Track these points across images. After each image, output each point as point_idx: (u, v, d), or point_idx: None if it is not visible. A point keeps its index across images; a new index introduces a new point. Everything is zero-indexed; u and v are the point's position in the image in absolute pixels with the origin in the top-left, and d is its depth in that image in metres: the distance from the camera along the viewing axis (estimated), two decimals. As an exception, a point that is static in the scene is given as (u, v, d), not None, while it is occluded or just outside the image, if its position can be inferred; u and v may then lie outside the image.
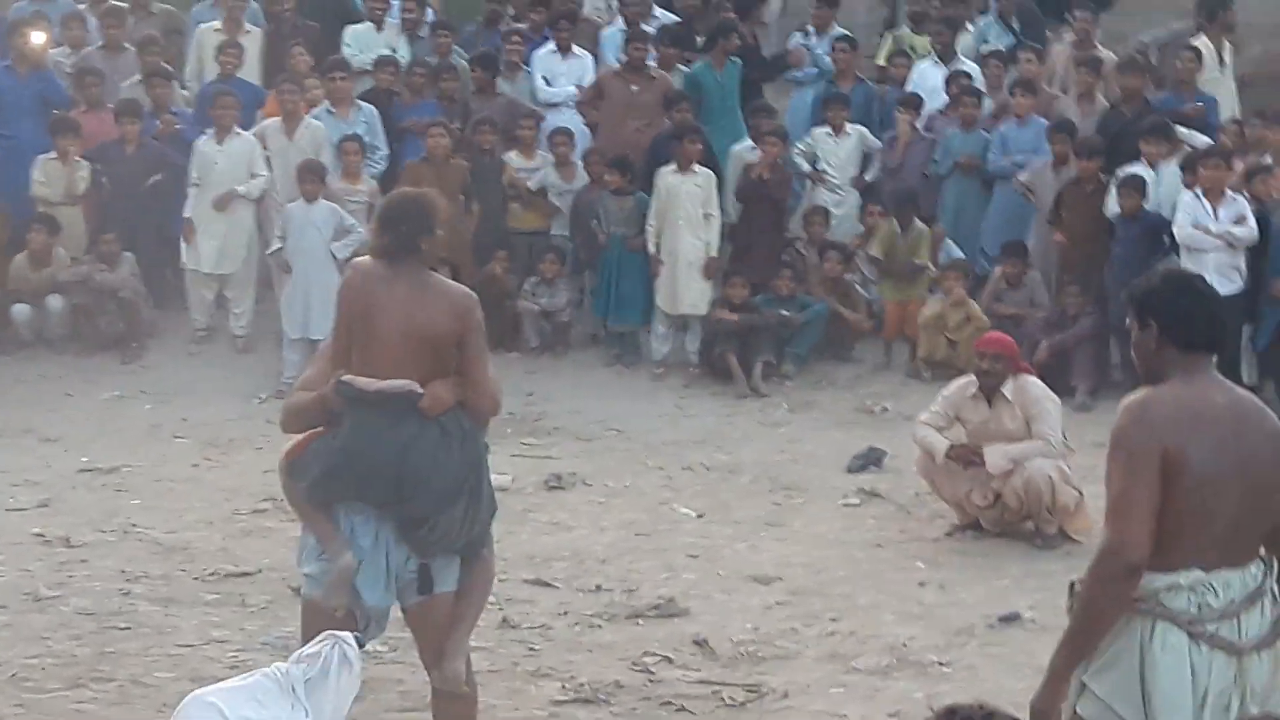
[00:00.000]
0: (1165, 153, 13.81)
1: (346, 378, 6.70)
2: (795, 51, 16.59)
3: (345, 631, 6.21)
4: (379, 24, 16.28)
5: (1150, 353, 5.42)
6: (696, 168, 14.33)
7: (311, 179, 13.98)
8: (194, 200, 14.42)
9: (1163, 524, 5.20)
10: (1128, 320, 5.49)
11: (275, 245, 14.13)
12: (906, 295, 14.36)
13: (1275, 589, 5.42)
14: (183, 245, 14.51)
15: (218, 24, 15.92)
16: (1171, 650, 5.26)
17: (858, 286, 14.58)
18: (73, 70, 15.39)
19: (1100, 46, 16.06)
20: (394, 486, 6.64)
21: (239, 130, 14.44)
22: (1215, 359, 5.47)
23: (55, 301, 14.20)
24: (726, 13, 16.70)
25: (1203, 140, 14.09)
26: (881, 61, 16.74)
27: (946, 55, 16.08)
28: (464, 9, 17.78)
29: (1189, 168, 13.55)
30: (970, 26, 17.12)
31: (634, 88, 15.41)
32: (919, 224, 14.40)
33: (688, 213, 14.29)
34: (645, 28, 16.17)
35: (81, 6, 16.36)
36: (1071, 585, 5.42)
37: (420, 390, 6.65)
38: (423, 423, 6.66)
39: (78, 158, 14.48)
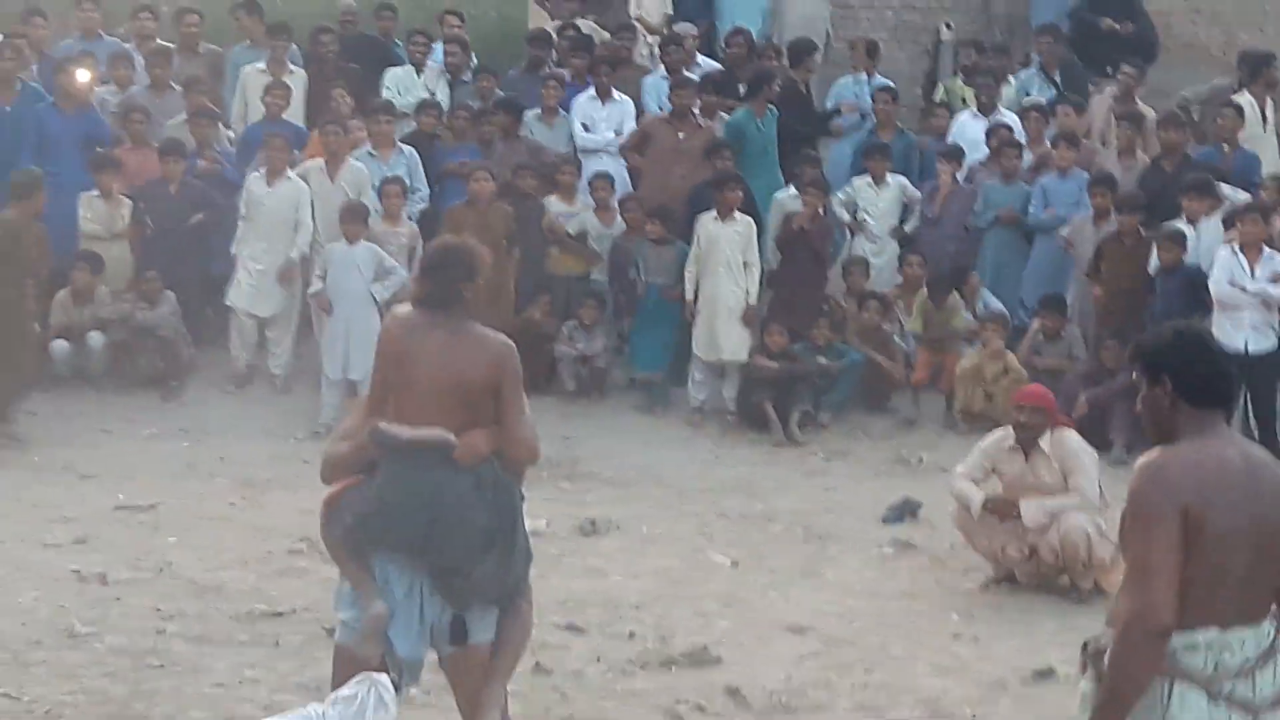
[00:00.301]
0: (1207, 209, 13.80)
1: (382, 425, 6.70)
2: (848, 102, 16.60)
3: (381, 674, 6.22)
4: (419, 67, 16.40)
5: (1163, 410, 5.37)
6: (737, 215, 14.36)
7: (355, 220, 14.05)
8: (240, 236, 14.51)
9: (1181, 583, 5.16)
10: (1135, 376, 5.46)
11: (316, 285, 14.20)
12: (941, 349, 14.36)
13: None
14: (231, 283, 14.57)
15: (262, 65, 16.03)
16: (1191, 709, 5.21)
17: (895, 338, 14.57)
18: (118, 109, 15.50)
19: (1140, 101, 16.06)
20: (424, 535, 6.62)
21: (290, 174, 14.51)
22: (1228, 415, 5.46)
23: (96, 338, 14.26)
24: (768, 60, 16.75)
25: (1244, 197, 14.08)
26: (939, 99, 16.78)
27: (987, 107, 16.10)
28: (506, 55, 17.85)
29: (1229, 224, 13.54)
30: (1012, 79, 17.16)
31: (680, 135, 15.46)
32: (954, 297, 14.35)
33: (727, 260, 14.31)
34: (689, 74, 16.21)
35: (128, 46, 16.48)
36: (1085, 645, 5.40)
37: (454, 441, 6.64)
38: (456, 472, 6.64)
39: (120, 195, 14.58)
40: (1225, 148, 15.10)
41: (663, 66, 16.62)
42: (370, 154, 14.99)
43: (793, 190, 14.94)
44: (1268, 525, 5.25)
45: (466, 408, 6.69)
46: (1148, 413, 5.45)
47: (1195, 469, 5.22)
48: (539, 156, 15.30)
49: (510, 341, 6.86)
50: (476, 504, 6.66)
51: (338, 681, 6.57)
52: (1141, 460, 5.29)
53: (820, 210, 14.67)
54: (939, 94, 16.99)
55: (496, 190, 14.46)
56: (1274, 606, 5.37)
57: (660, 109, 15.93)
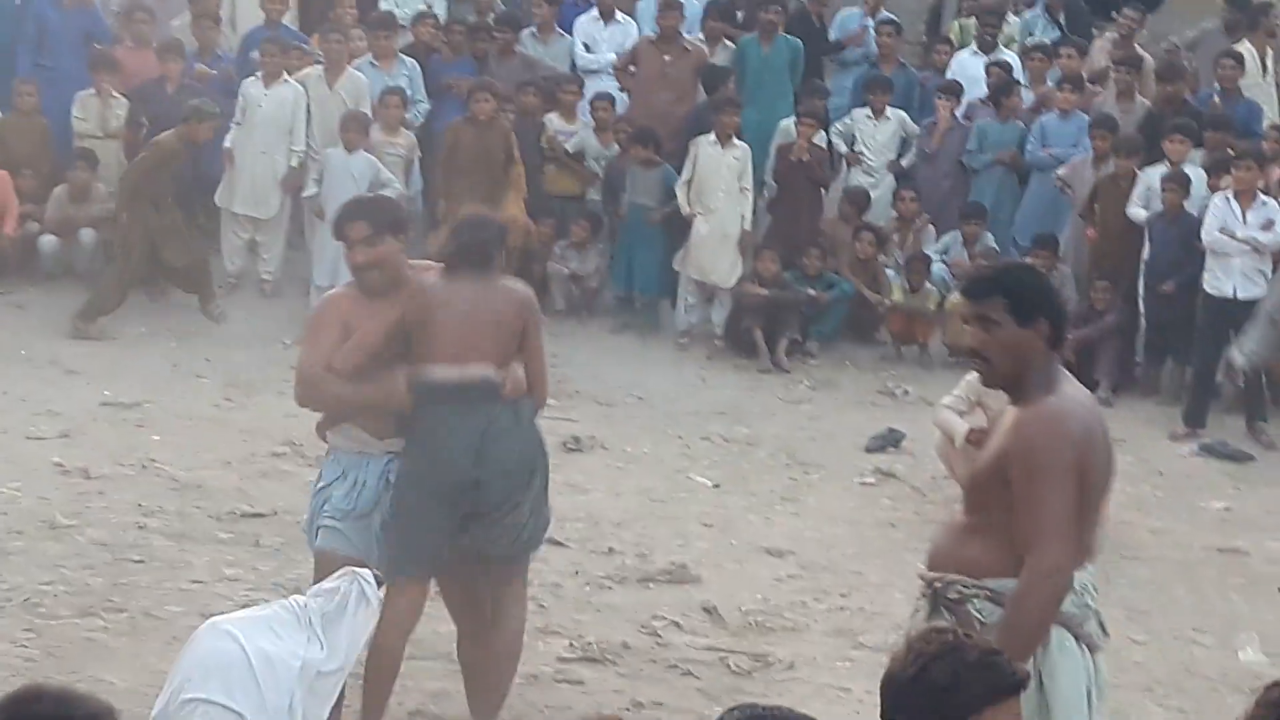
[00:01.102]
0: (1187, 151, 13.79)
1: (426, 371, 6.95)
2: (858, 32, 16.52)
3: (364, 569, 6.25)
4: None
5: (1035, 354, 5.28)
6: (735, 141, 14.33)
7: (355, 129, 14.01)
8: (234, 138, 14.44)
9: None
10: (993, 314, 5.28)
11: (311, 190, 14.17)
12: (914, 316, 14.35)
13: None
14: (222, 183, 14.53)
15: None
16: (1069, 653, 5.26)
17: (888, 270, 14.56)
18: (120, 7, 15.40)
19: (1139, 47, 16.01)
20: (473, 474, 6.91)
21: (286, 77, 14.45)
22: None
23: (88, 235, 14.21)
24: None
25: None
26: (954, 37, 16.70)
27: (989, 45, 16.05)
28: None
29: (1215, 170, 13.52)
30: (1014, 18, 17.10)
31: (667, 58, 15.38)
32: (928, 285, 14.29)
33: (724, 185, 14.29)
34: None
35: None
36: (933, 586, 5.36)
37: (497, 377, 6.94)
38: (498, 408, 6.97)
39: (116, 94, 14.52)
40: (1215, 98, 15.05)
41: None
42: (372, 64, 14.92)
43: (792, 117, 14.88)
44: (1110, 466, 5.36)
45: (498, 347, 7.01)
46: (1009, 355, 5.30)
47: (1083, 418, 5.25)
48: (535, 72, 15.24)
49: (531, 290, 7.28)
50: (519, 436, 7.04)
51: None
52: (1037, 410, 5.21)
53: (814, 140, 14.61)
54: (953, 30, 16.86)
55: (496, 108, 14.39)
56: None
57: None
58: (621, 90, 15.51)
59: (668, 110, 15.15)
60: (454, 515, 6.96)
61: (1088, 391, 5.47)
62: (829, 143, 15.06)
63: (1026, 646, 5.08)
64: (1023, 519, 5.15)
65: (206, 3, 15.28)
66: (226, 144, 14.39)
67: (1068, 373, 5.36)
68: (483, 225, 7.30)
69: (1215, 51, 15.74)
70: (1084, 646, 5.30)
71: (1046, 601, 5.14)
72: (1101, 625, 5.44)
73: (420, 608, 7.14)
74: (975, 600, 5.25)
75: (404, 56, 15.08)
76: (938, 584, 5.32)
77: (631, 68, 15.50)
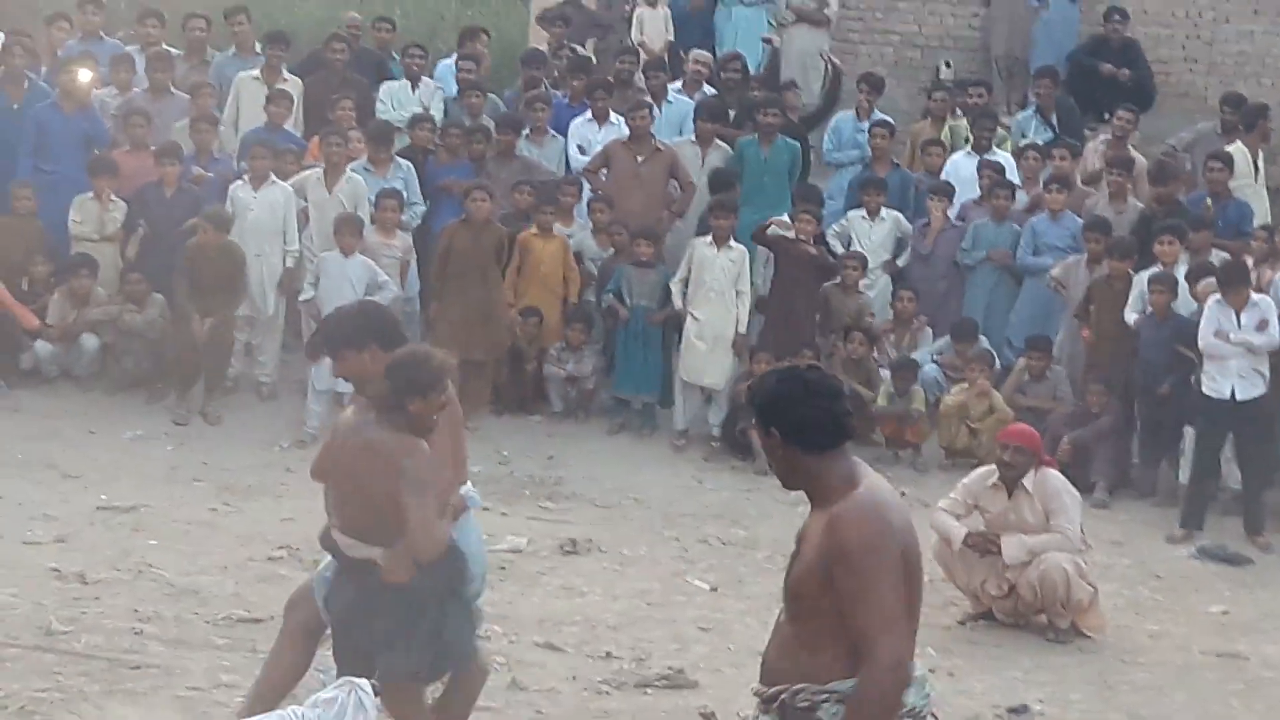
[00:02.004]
0: (1177, 253, 13.85)
1: (334, 534, 7.07)
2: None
3: (361, 679, 6.25)
4: (415, 81, 16.44)
5: (781, 459, 5.35)
6: (732, 244, 14.39)
7: (350, 232, 14.08)
8: None
9: None
10: (759, 430, 5.41)
11: (308, 293, 14.21)
12: (902, 421, 14.34)
13: None
14: None
15: (255, 72, 16.05)
16: None
17: (882, 370, 14.59)
18: (118, 111, 15.52)
19: (1133, 148, 16.11)
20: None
21: (274, 179, 14.54)
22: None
23: (90, 340, 14.28)
24: (765, 89, 16.78)
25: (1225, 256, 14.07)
26: (905, 158, 16.73)
27: (983, 146, 16.14)
28: (503, 75, 17.90)
29: (1197, 274, 13.57)
30: (1007, 120, 17.23)
31: (639, 159, 15.47)
32: (916, 389, 14.32)
33: (719, 286, 14.33)
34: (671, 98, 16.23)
35: (130, 49, 16.52)
36: (773, 697, 5.37)
37: (378, 561, 6.91)
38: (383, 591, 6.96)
39: (113, 198, 14.60)
40: (1208, 200, 15.12)
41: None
42: (367, 168, 15.02)
43: (784, 217, 14.93)
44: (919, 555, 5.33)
45: (374, 515, 6.89)
46: (772, 460, 5.43)
47: (898, 507, 5.27)
48: (534, 175, 15.33)
49: (407, 440, 6.81)
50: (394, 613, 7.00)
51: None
52: (849, 506, 5.21)
53: (815, 232, 14.68)
54: (943, 133, 16.97)
55: (491, 209, 14.46)
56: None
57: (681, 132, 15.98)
58: (593, 192, 15.54)
59: (639, 211, 15.18)
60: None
61: (887, 483, 5.41)
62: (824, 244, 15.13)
63: None
64: (855, 616, 5.15)
65: (204, 106, 15.38)
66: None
67: (865, 466, 5.35)
68: (403, 367, 6.91)
69: (1209, 153, 15.84)
70: None
71: (888, 695, 5.15)
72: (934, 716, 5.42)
73: None
74: (825, 705, 5.25)
75: (399, 159, 15.18)
76: (784, 696, 5.31)
77: (603, 171, 15.58)
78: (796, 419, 5.28)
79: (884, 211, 15.49)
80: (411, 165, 15.22)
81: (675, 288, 14.43)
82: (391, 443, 6.72)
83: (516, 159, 15.50)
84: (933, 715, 5.41)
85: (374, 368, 6.98)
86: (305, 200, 14.72)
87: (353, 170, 14.87)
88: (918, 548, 5.29)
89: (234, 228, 14.40)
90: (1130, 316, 13.79)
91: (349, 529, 6.95)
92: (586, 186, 15.56)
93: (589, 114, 16.10)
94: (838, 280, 14.81)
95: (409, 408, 6.74)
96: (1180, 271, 13.78)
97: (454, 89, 16.55)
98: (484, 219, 14.33)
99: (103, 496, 12.04)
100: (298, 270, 14.55)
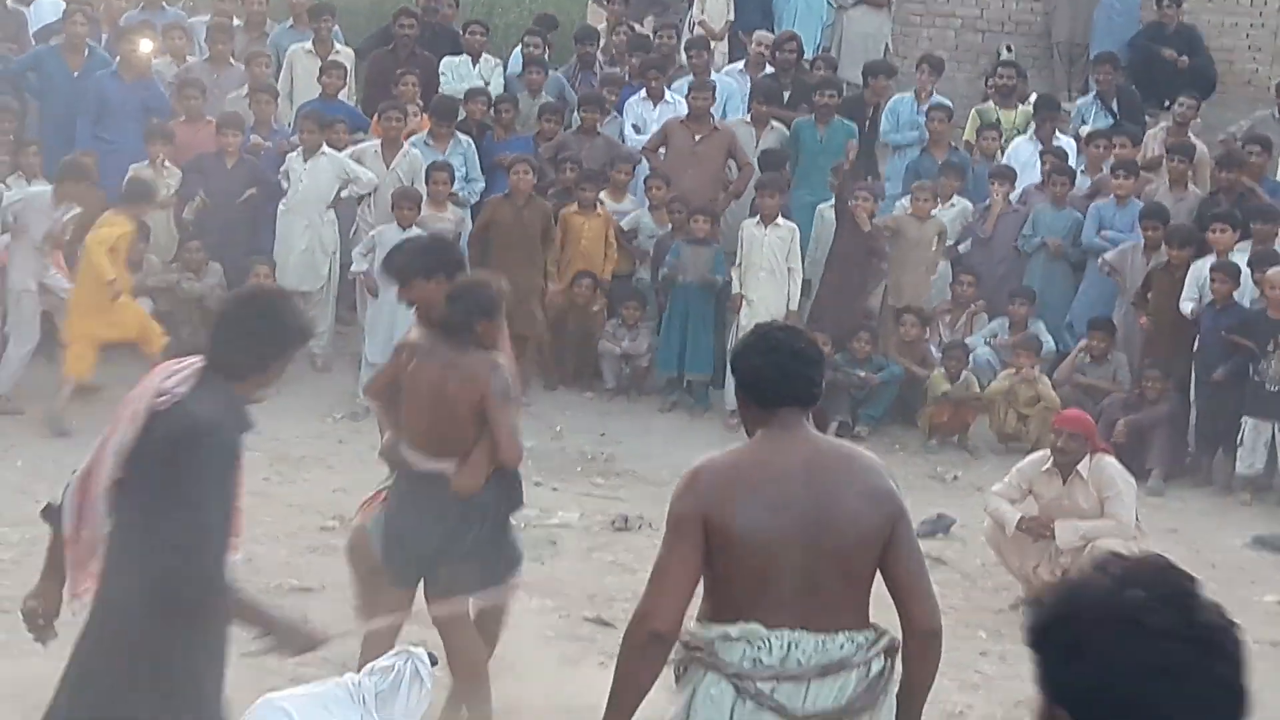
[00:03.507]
0: (1231, 241, 13.75)
1: (401, 447, 7.42)
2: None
3: (419, 648, 6.25)
4: (475, 57, 16.42)
5: (742, 409, 5.48)
6: (780, 221, 14.35)
7: (408, 205, 14.08)
8: (281, 213, 14.60)
9: (723, 582, 5.18)
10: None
11: (361, 265, 14.22)
12: (960, 406, 14.28)
13: (876, 664, 5.27)
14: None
15: (308, 45, 16.06)
16: (713, 701, 5.20)
17: (933, 349, 14.54)
18: (174, 81, 15.55)
19: (1193, 135, 16.00)
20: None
21: (325, 149, 14.53)
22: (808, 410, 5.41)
23: (144, 305, 14.31)
24: (819, 71, 16.70)
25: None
26: (969, 137, 16.65)
27: (1046, 133, 16.05)
28: (562, 54, 17.86)
29: (1260, 263, 13.46)
30: (1068, 106, 17.12)
31: (696, 137, 15.44)
32: (968, 374, 14.20)
33: (769, 264, 14.30)
34: (715, 78, 16.19)
35: (187, 18, 16.56)
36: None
37: (449, 473, 7.28)
38: (448, 503, 7.30)
39: (169, 165, 14.62)
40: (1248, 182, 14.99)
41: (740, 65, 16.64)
42: (427, 143, 15.02)
43: (833, 200, 14.88)
44: (828, 530, 5.16)
45: (457, 433, 7.33)
46: (740, 411, 5.53)
47: (726, 474, 5.22)
48: (616, 153, 15.29)
49: (496, 361, 7.38)
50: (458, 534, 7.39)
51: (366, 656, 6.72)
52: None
53: (869, 219, 14.61)
54: (971, 119, 16.80)
55: (538, 183, 14.44)
56: (862, 622, 5.29)
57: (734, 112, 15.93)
58: (651, 170, 15.51)
59: (694, 189, 15.13)
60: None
61: (820, 448, 5.34)
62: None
63: (613, 686, 5.18)
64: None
65: (262, 77, 15.41)
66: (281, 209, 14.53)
67: (794, 428, 5.30)
68: (466, 294, 7.44)
69: (1245, 137, 15.73)
70: (749, 703, 5.20)
71: (628, 646, 5.18)
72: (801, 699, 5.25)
73: None
74: None
75: (460, 135, 15.16)
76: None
77: (661, 150, 15.55)
78: (749, 369, 5.38)
79: (955, 197, 15.38)
80: (471, 141, 15.21)
81: (735, 273, 14.39)
82: (475, 360, 7.27)
83: (599, 136, 15.47)
84: (790, 689, 5.24)
85: (438, 295, 7.40)
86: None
87: (412, 144, 14.87)
88: (758, 514, 5.17)
89: (285, 199, 14.44)
90: (1186, 305, 13.70)
91: (421, 444, 7.34)
92: (643, 164, 15.52)
93: (644, 92, 16.06)
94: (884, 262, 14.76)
95: (477, 328, 7.28)
96: (1241, 260, 13.68)
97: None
98: (527, 192, 14.31)
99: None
100: (348, 245, 14.56)
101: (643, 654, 5.12)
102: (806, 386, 5.36)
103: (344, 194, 14.51)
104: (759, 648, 5.18)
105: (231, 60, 15.90)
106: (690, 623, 5.27)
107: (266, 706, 5.70)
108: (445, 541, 7.31)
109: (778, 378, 5.31)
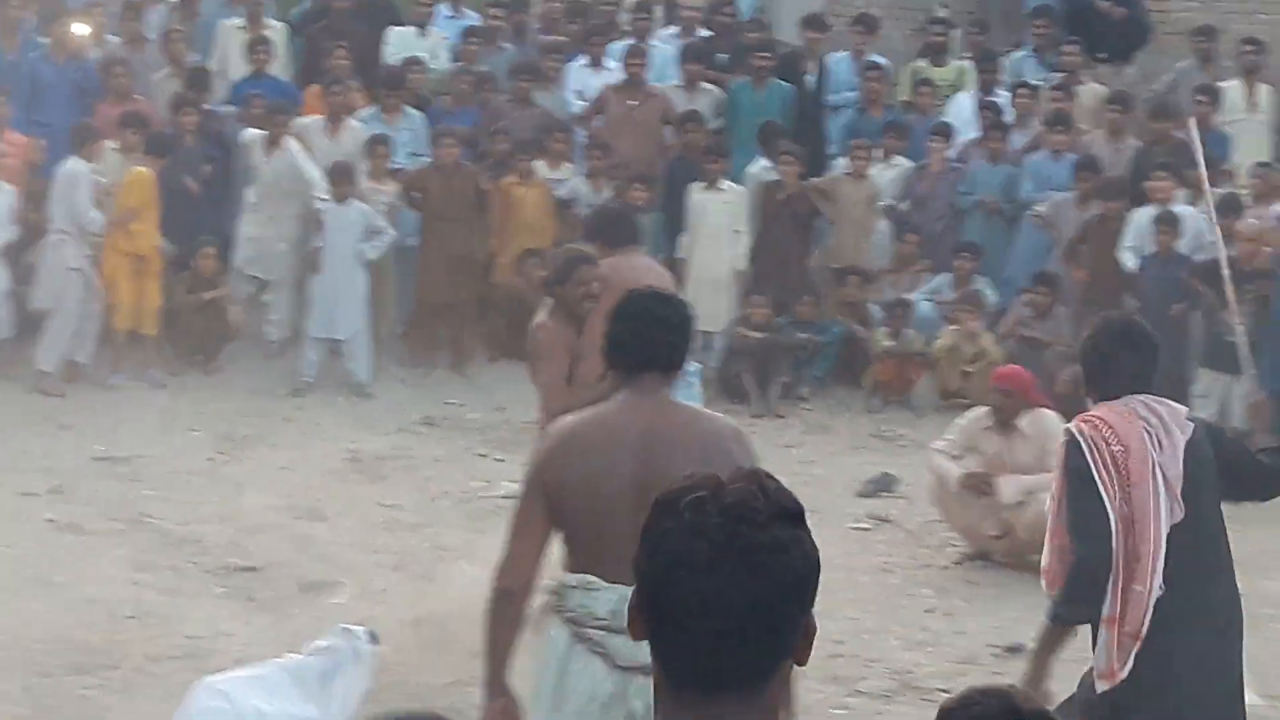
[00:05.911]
0: (1171, 190, 13.79)
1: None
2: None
3: (359, 627, 6.25)
4: (422, 28, 16.28)
5: (610, 374, 5.69)
6: (725, 184, 14.36)
7: (343, 180, 13.99)
8: (247, 203, 14.46)
9: (569, 538, 5.43)
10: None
11: (317, 243, 14.11)
12: (904, 360, 14.33)
13: None
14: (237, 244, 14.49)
15: (239, 20, 15.90)
16: (551, 641, 5.50)
17: (876, 308, 14.56)
18: (99, 61, 15.30)
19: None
20: None
21: (288, 141, 14.32)
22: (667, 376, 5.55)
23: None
24: (761, 33, 16.65)
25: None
26: (907, 95, 16.61)
27: (987, 86, 16.05)
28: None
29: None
30: (1003, 60, 17.11)
31: (631, 103, 15.41)
32: (907, 331, 14.24)
33: (715, 228, 14.31)
34: (653, 43, 16.14)
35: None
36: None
37: None
38: None
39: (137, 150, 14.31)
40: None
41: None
42: (380, 118, 14.91)
43: (764, 162, 14.88)
44: (651, 497, 5.26)
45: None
46: (609, 374, 5.76)
47: (566, 437, 5.45)
48: (552, 122, 15.24)
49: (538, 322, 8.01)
50: None
51: None
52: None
53: (797, 179, 14.59)
54: (906, 77, 16.76)
55: (460, 154, 14.37)
56: None
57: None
58: (587, 138, 15.44)
59: (631, 155, 15.04)
60: None
61: (667, 412, 5.48)
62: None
63: (483, 636, 5.49)
64: None
65: (179, 54, 15.26)
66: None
67: (644, 393, 5.44)
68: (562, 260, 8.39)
69: (1195, 86, 15.76)
70: (579, 648, 5.44)
71: (490, 600, 5.48)
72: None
73: None
74: None
75: (409, 109, 15.06)
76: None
77: (597, 117, 15.51)
78: (612, 333, 5.57)
79: (896, 157, 15.36)
80: (423, 115, 15.10)
81: (682, 240, 14.40)
82: (535, 322, 8.21)
83: (535, 106, 15.42)
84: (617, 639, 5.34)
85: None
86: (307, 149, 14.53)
87: (360, 118, 14.78)
88: (593, 475, 5.34)
89: (250, 190, 14.35)
90: (1126, 256, 13.75)
91: None
92: (580, 133, 15.47)
93: (586, 59, 15.99)
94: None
95: (555, 293, 8.09)
96: (1178, 209, 13.73)
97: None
98: (452, 164, 14.25)
99: (98, 447, 12.03)
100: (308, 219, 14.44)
101: (495, 609, 5.43)
102: (667, 353, 5.53)
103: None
104: (594, 599, 5.42)
105: (147, 37, 15.64)
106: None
107: (206, 690, 5.70)
108: None
109: (638, 343, 5.49)
